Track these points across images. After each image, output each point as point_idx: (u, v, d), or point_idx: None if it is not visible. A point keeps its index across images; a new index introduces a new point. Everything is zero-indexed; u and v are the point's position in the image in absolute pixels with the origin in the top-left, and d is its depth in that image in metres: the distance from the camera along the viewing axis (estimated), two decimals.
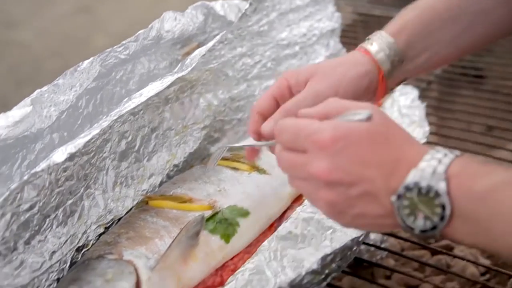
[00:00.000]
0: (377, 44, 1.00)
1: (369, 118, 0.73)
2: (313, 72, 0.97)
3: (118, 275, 0.91)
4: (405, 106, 1.39)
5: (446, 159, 0.69)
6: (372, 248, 1.35)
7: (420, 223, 0.69)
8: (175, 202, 1.05)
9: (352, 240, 0.93)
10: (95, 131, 0.96)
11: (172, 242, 0.97)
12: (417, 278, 1.22)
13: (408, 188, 0.69)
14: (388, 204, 0.71)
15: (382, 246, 1.30)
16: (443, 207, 0.68)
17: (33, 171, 0.90)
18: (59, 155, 0.91)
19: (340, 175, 0.72)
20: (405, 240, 1.27)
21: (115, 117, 0.98)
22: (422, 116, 1.34)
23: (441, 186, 0.68)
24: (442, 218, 0.68)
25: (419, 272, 1.33)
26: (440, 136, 1.56)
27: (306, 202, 1.11)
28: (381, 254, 1.36)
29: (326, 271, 0.90)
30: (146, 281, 0.92)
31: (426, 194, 0.68)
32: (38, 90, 1.01)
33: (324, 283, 0.92)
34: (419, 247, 1.38)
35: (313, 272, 0.87)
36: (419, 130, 1.29)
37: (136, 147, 1.13)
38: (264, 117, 0.96)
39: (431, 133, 1.31)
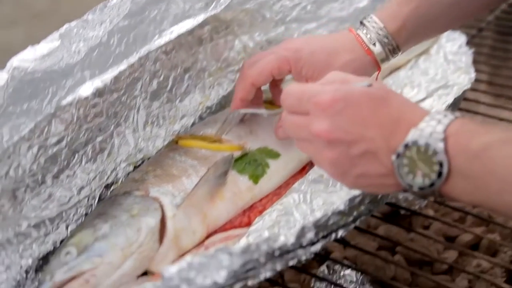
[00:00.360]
0: (380, 45, 0.98)
1: (369, 86, 0.75)
2: (320, 72, 0.95)
3: (144, 211, 0.90)
4: (451, 52, 1.32)
5: (445, 120, 0.70)
6: (411, 197, 1.30)
7: (418, 180, 0.70)
8: (205, 142, 1.03)
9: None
10: (123, 66, 0.94)
11: (200, 180, 0.95)
12: (457, 228, 1.17)
13: (407, 147, 0.70)
14: (388, 163, 0.72)
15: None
16: (440, 164, 0.68)
17: (59, 104, 0.89)
18: (86, 89, 0.90)
19: (340, 134, 0.73)
20: None
21: (142, 54, 0.96)
22: (468, 62, 1.27)
23: (439, 144, 0.68)
24: (439, 175, 0.69)
25: (459, 223, 1.28)
26: (491, 84, 1.47)
27: None
28: (420, 203, 1.31)
29: (354, 213, 0.86)
30: (171, 218, 0.91)
31: (425, 152, 0.69)
32: (66, 25, 0.99)
33: (352, 226, 0.88)
34: None
35: (340, 213, 0.83)
36: (464, 77, 1.22)
37: (168, 87, 1.11)
38: (256, 89, 0.99)
39: (481, 80, 1.26)
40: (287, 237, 0.78)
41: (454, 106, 1.13)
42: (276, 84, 1.04)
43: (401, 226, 1.19)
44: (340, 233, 0.86)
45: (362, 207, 0.88)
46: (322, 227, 0.82)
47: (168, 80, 1.11)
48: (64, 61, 0.99)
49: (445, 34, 1.39)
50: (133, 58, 0.96)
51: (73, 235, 0.89)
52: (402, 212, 1.30)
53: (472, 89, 1.23)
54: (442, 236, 1.24)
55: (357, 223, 0.89)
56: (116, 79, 0.99)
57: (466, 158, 0.68)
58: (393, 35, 0.98)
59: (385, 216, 1.30)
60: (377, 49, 0.98)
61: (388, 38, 0.98)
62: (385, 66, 1.02)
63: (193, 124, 1.14)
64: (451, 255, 1.19)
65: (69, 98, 0.89)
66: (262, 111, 1.03)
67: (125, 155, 1.04)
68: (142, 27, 1.13)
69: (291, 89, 0.79)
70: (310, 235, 0.80)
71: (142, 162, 1.06)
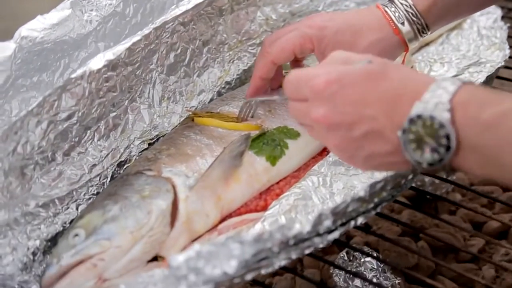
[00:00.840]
0: (408, 24, 0.92)
1: (369, 63, 0.71)
2: (346, 50, 0.86)
3: (155, 192, 0.86)
4: (485, 27, 1.24)
5: (452, 87, 0.65)
6: (437, 181, 1.24)
7: (427, 156, 0.66)
8: (221, 120, 0.98)
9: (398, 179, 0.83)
10: (136, 37, 0.88)
11: (214, 161, 0.90)
12: (484, 215, 1.11)
13: (412, 121, 0.66)
14: (395, 140, 0.68)
15: (449, 179, 1.19)
16: (447, 137, 0.64)
17: (69, 77, 0.84)
18: (97, 62, 0.86)
19: (338, 118, 0.70)
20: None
21: (157, 25, 0.91)
22: (503, 38, 1.19)
23: (445, 115, 0.64)
24: (448, 149, 0.65)
25: (487, 208, 1.21)
26: None
27: None
28: (447, 187, 1.25)
29: (375, 200, 0.81)
30: (183, 200, 0.86)
31: (431, 126, 0.65)
32: None
33: (373, 212, 0.83)
34: (490, 182, 1.26)
35: (359, 200, 0.78)
36: (498, 53, 1.15)
37: (186, 61, 1.06)
38: (277, 67, 0.95)
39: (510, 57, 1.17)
40: (302, 225, 0.73)
41: (486, 84, 1.06)
42: (298, 62, 0.99)
43: (426, 212, 1.13)
44: (360, 220, 0.81)
45: (384, 193, 0.82)
46: (341, 214, 0.77)
47: (185, 53, 1.05)
48: (75, 31, 0.95)
49: None
50: (148, 29, 0.90)
51: (82, 216, 0.85)
52: (428, 196, 1.24)
53: (506, 66, 1.15)
54: (469, 223, 1.18)
55: (379, 209, 0.84)
56: (130, 51, 0.94)
57: (478, 130, 0.64)
58: (422, 13, 0.91)
59: (410, 200, 1.25)
60: (405, 28, 0.92)
61: (417, 16, 0.91)
62: (412, 46, 0.95)
63: (211, 100, 1.09)
64: (478, 242, 1.14)
65: (79, 71, 0.85)
66: (275, 97, 0.98)
67: (139, 132, 0.99)
68: None
69: (290, 75, 0.76)
70: (327, 222, 0.75)
71: (157, 139, 1.01)
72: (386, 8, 0.93)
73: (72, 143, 0.91)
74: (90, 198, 0.92)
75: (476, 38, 1.22)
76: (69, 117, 0.89)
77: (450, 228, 1.15)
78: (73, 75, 0.84)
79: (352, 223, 0.80)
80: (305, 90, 0.73)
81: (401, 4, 0.92)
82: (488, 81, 1.06)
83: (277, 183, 0.94)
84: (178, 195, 0.87)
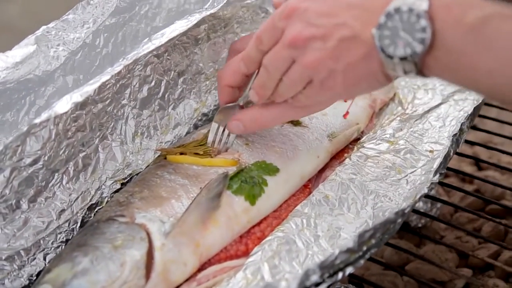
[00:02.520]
0: None
1: None
2: None
3: (129, 241, 0.79)
4: None
5: None
6: (422, 209, 1.19)
7: (400, 50, 0.67)
8: (195, 156, 0.91)
9: (397, 213, 0.77)
10: (105, 77, 0.81)
11: (191, 204, 0.83)
12: (475, 235, 1.04)
13: (389, 16, 0.68)
14: (369, 39, 0.70)
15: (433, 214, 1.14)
16: (424, 30, 0.65)
17: (33, 122, 0.77)
18: (63, 105, 0.78)
19: (311, 31, 0.72)
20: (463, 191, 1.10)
21: (129, 62, 0.83)
22: None
23: (423, 6, 0.65)
24: (422, 41, 0.66)
25: (472, 236, 1.16)
26: None
27: (347, 160, 0.95)
28: (434, 211, 1.21)
29: (364, 248, 0.75)
30: (159, 248, 0.79)
31: (408, 19, 0.66)
32: (43, 27, 0.87)
33: (362, 261, 0.76)
34: (476, 208, 1.21)
35: (348, 251, 0.71)
36: None
37: (160, 93, 0.99)
38: (232, 88, 0.89)
39: None
40: (288, 283, 0.67)
41: (474, 115, 1.00)
42: None
43: (411, 240, 1.07)
44: (349, 270, 0.74)
45: (373, 241, 0.76)
46: (328, 268, 0.71)
47: (160, 85, 0.98)
48: (41, 68, 0.87)
49: None
50: (119, 66, 0.83)
51: (50, 269, 0.77)
52: (413, 224, 1.19)
53: None
54: (455, 252, 1.12)
55: (367, 256, 0.78)
56: (100, 88, 0.87)
57: (458, 31, 0.64)
58: None
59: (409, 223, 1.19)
60: None
61: None
62: None
63: (187, 133, 1.02)
64: (465, 273, 1.08)
65: (44, 115, 0.77)
66: (240, 99, 0.90)
67: (111, 172, 0.92)
68: (132, 24, 1.01)
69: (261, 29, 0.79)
70: (314, 277, 0.69)
71: (131, 178, 0.94)
72: None
73: (39, 188, 0.83)
74: (58, 247, 0.85)
75: None
76: (35, 161, 0.81)
77: (436, 258, 1.10)
78: (37, 120, 0.76)
79: (340, 274, 0.73)
80: (279, 22, 0.75)
81: None
82: (475, 112, 1.00)
83: (258, 225, 0.88)
84: (153, 243, 0.79)
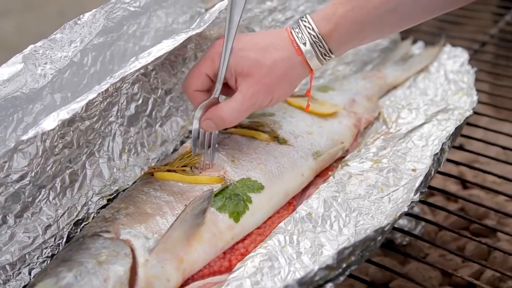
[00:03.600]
0: (310, 45, 0.91)
1: None
2: (249, 70, 0.90)
3: (113, 256, 0.80)
4: (453, 71, 1.22)
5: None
6: (407, 227, 1.20)
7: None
8: (182, 172, 0.92)
9: (376, 231, 0.78)
10: (92, 95, 0.82)
11: (175, 220, 0.84)
12: (458, 255, 1.05)
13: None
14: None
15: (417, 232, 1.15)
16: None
17: (20, 139, 0.78)
18: (50, 122, 0.79)
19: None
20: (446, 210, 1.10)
21: (116, 80, 0.85)
22: (471, 83, 1.16)
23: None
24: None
25: (456, 255, 1.17)
26: (491, 106, 1.36)
27: (331, 178, 0.97)
28: (416, 232, 1.21)
29: (344, 265, 0.76)
30: (142, 264, 0.80)
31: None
32: (31, 46, 0.88)
33: (342, 278, 0.78)
34: (459, 227, 1.22)
35: (327, 268, 0.73)
36: (466, 99, 1.12)
37: (148, 111, 1.00)
38: (200, 92, 0.93)
39: (480, 102, 1.14)
40: None
41: (455, 135, 1.02)
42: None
43: (396, 258, 1.09)
44: (328, 287, 0.76)
45: (353, 257, 0.77)
46: (307, 284, 0.72)
47: (147, 103, 1.00)
48: (28, 86, 0.88)
49: (446, 50, 1.29)
50: (106, 84, 0.85)
51: (35, 283, 0.78)
52: (398, 241, 1.20)
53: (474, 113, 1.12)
54: (438, 271, 1.14)
55: (347, 273, 0.79)
56: (88, 105, 0.89)
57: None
58: (324, 37, 0.90)
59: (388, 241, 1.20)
60: (306, 48, 0.90)
61: (319, 39, 0.90)
62: (316, 69, 0.93)
63: (174, 150, 1.03)
64: None
65: (31, 132, 0.78)
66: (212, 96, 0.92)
67: (98, 188, 0.93)
68: (120, 43, 1.02)
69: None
70: None
71: (117, 194, 0.95)
72: (292, 30, 0.92)
73: (25, 203, 0.84)
74: (44, 261, 0.86)
75: (443, 82, 1.19)
76: (21, 177, 0.82)
77: (420, 276, 1.11)
78: (24, 137, 0.77)
79: None
80: None
81: (305, 26, 0.90)
82: (457, 132, 1.02)
83: (242, 241, 0.89)
84: (137, 259, 0.80)
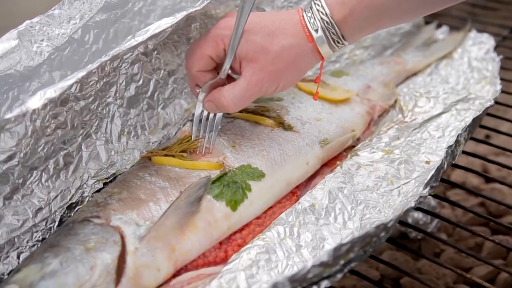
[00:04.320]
0: (322, 32, 0.83)
1: None
2: (254, 55, 0.84)
3: (101, 243, 0.76)
4: (477, 59, 1.14)
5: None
6: (422, 220, 1.14)
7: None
8: (181, 156, 0.87)
9: (378, 227, 0.72)
10: (81, 73, 0.78)
11: (169, 208, 0.80)
12: (471, 258, 0.99)
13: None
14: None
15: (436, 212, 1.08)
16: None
17: (4, 117, 0.74)
18: (35, 101, 0.75)
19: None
20: (466, 209, 1.03)
21: (106, 58, 0.80)
22: (495, 71, 1.09)
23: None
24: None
25: (475, 251, 1.11)
26: None
27: (338, 168, 0.91)
28: (432, 227, 1.15)
29: (341, 262, 0.71)
30: (132, 253, 0.76)
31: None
32: (27, 21, 0.84)
33: (340, 275, 0.72)
34: (478, 223, 1.15)
35: (322, 265, 0.67)
36: (489, 89, 1.05)
37: (149, 92, 0.96)
38: (204, 72, 0.87)
39: (506, 92, 1.07)
40: None
41: (473, 126, 0.95)
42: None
43: (409, 253, 1.03)
44: (324, 285, 0.70)
45: (351, 255, 0.72)
46: (300, 281, 0.67)
47: (148, 84, 0.95)
48: (22, 63, 0.84)
49: (472, 36, 1.21)
50: (98, 63, 0.80)
51: (19, 269, 0.75)
52: (412, 235, 1.14)
53: (497, 102, 1.04)
54: (454, 267, 1.07)
55: (347, 270, 0.73)
56: (82, 85, 0.84)
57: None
58: (338, 23, 0.83)
59: (392, 239, 1.14)
60: (318, 35, 0.83)
61: (332, 25, 0.83)
62: (328, 57, 0.86)
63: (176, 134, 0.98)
64: None
65: (16, 111, 0.75)
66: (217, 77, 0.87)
67: (94, 171, 0.89)
68: (124, 21, 0.98)
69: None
70: None
71: (114, 178, 0.91)
72: (304, 13, 0.84)
73: (15, 185, 0.81)
74: (34, 245, 0.82)
75: (466, 70, 1.12)
76: (10, 158, 0.79)
77: (433, 272, 1.05)
78: (7, 116, 0.74)
79: None
80: None
81: (318, 10, 0.83)
82: (475, 124, 0.95)
83: (240, 232, 0.84)
84: (127, 246, 0.76)
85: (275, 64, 0.83)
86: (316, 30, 0.83)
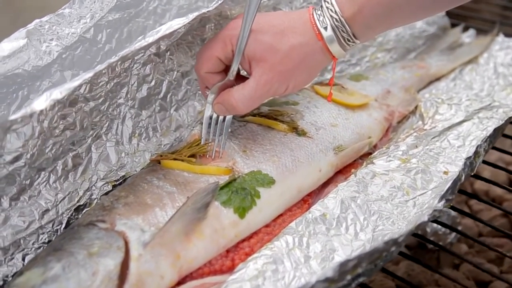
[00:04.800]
0: (332, 30, 0.80)
1: None
2: (262, 55, 0.81)
3: (105, 249, 0.74)
4: (503, 64, 1.09)
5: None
6: (441, 230, 1.09)
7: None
8: (190, 161, 0.84)
9: (387, 242, 0.68)
10: (88, 74, 0.76)
11: (175, 214, 0.77)
12: (490, 272, 0.94)
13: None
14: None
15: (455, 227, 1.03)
16: None
17: (9, 118, 0.73)
18: (41, 102, 0.73)
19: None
20: (484, 223, 0.98)
21: (115, 59, 0.78)
22: None
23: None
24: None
25: (494, 264, 1.06)
26: None
27: (352, 177, 0.87)
28: (452, 239, 1.10)
29: (348, 277, 0.67)
30: (135, 259, 0.74)
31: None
32: (37, 20, 0.82)
33: None
34: (501, 234, 1.10)
35: (326, 281, 0.64)
36: None
37: (162, 94, 0.93)
38: (212, 73, 0.84)
39: None
40: None
41: (494, 137, 0.90)
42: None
43: (426, 264, 0.98)
44: None
45: (359, 269, 0.68)
46: None
47: (161, 85, 0.93)
48: (30, 63, 0.83)
49: (499, 40, 1.16)
50: (105, 64, 0.78)
51: (22, 271, 0.73)
52: (430, 246, 1.09)
53: None
54: (472, 280, 1.03)
55: (355, 284, 0.70)
56: (92, 85, 0.82)
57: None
58: (347, 20, 0.79)
59: (410, 250, 1.10)
60: (328, 34, 0.80)
61: (342, 23, 0.79)
62: (339, 56, 0.82)
63: None
64: None
65: (20, 112, 0.73)
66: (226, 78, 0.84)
67: (103, 172, 0.87)
68: (139, 20, 0.96)
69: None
70: None
71: (124, 180, 0.89)
72: (314, 12, 0.81)
73: (22, 186, 0.79)
74: (40, 247, 0.81)
75: (491, 76, 1.07)
76: (16, 159, 0.77)
77: (451, 286, 1.01)
78: (13, 116, 0.72)
79: None
80: None
81: (327, 8, 0.80)
82: (496, 134, 0.90)
83: (248, 240, 0.81)
84: (130, 252, 0.74)
85: (285, 63, 0.79)
86: (326, 28, 0.79)
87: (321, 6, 0.81)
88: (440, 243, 1.09)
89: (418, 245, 1.11)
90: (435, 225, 1.09)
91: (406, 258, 1.03)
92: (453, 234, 1.11)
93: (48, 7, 0.97)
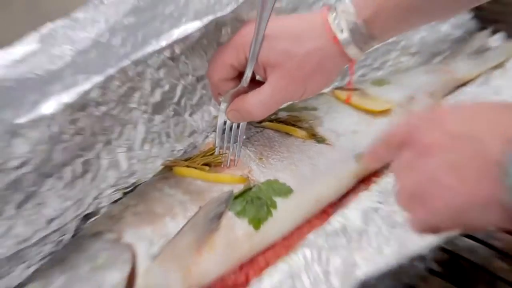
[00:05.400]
0: (348, 32, 0.73)
1: None
2: (278, 60, 0.74)
3: (110, 262, 0.68)
4: None
5: None
6: (475, 244, 1.01)
7: None
8: (203, 169, 0.79)
9: (412, 258, 0.61)
10: (99, 78, 0.71)
11: (185, 225, 0.71)
12: None
13: None
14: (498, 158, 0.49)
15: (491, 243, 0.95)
16: None
17: (18, 121, 0.68)
18: (50, 106, 0.68)
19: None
20: None
21: (127, 62, 0.73)
22: None
23: None
24: None
25: None
26: None
27: (374, 186, 0.81)
28: (487, 253, 1.02)
29: None
30: (143, 273, 0.68)
31: None
32: (49, 24, 0.77)
33: None
34: None
35: None
36: None
37: (176, 99, 0.88)
38: (225, 80, 0.79)
39: None
40: None
41: None
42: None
43: (457, 281, 0.91)
44: None
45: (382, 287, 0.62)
46: None
47: (175, 90, 0.87)
48: (43, 67, 0.77)
49: None
50: (114, 69, 0.73)
51: (25, 284, 0.68)
52: (462, 261, 1.01)
53: None
54: None
55: None
56: (103, 90, 0.77)
57: None
58: (364, 22, 0.73)
59: (441, 266, 1.02)
60: (344, 36, 0.73)
61: (358, 25, 0.73)
62: (358, 58, 0.75)
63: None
64: None
65: (28, 116, 0.68)
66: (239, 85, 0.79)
67: (113, 179, 0.82)
68: (155, 24, 0.90)
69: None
70: None
71: (135, 188, 0.83)
72: (329, 13, 0.75)
73: (28, 193, 0.74)
74: (45, 257, 0.75)
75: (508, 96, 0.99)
76: (23, 164, 0.72)
77: None
78: (20, 121, 0.67)
79: None
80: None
81: (342, 10, 0.73)
82: None
83: (263, 253, 0.75)
84: (137, 266, 0.68)
85: (301, 68, 0.73)
86: (342, 31, 0.73)
87: (336, 8, 0.74)
88: (473, 259, 1.01)
89: (448, 261, 1.02)
90: (467, 239, 1.01)
91: (434, 275, 0.96)
92: (487, 249, 1.03)
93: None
